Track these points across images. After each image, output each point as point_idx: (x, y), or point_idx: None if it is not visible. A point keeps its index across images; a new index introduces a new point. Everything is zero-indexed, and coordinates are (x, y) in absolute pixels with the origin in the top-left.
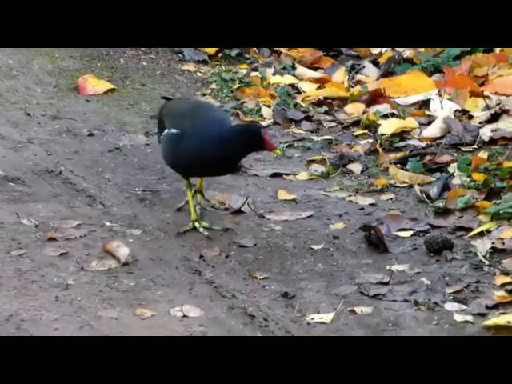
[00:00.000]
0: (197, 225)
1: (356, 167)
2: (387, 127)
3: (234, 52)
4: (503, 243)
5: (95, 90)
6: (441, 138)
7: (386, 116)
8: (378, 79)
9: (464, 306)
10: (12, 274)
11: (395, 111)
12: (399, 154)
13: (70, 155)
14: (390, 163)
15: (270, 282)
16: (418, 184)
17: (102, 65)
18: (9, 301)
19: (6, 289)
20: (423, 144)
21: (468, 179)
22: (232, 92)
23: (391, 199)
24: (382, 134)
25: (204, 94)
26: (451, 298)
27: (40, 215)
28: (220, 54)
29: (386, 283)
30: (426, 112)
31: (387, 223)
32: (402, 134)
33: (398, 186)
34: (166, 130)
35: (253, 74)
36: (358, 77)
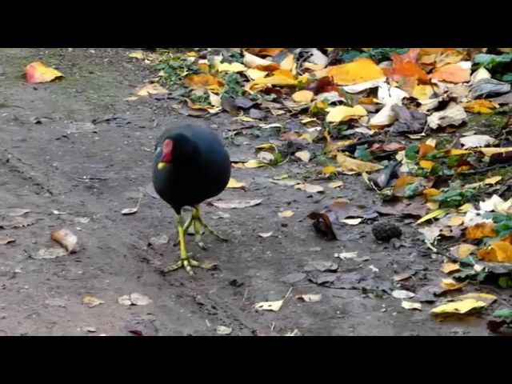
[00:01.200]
0: (185, 263)
1: (304, 155)
2: (335, 115)
3: None
4: (451, 231)
5: (43, 77)
6: (389, 125)
7: (334, 104)
8: (326, 67)
9: (412, 294)
10: None
11: (343, 99)
12: (347, 142)
13: (18, 143)
14: (338, 151)
15: (218, 270)
16: (366, 172)
17: (49, 52)
18: None
19: None
20: (371, 132)
21: (416, 167)
22: (180, 79)
23: (339, 187)
24: (330, 122)
25: (152, 82)
26: (399, 285)
27: None
28: None
29: (334, 271)
30: (374, 100)
31: (335, 211)
32: (350, 122)
33: (346, 174)
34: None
35: (201, 61)
36: (306, 64)
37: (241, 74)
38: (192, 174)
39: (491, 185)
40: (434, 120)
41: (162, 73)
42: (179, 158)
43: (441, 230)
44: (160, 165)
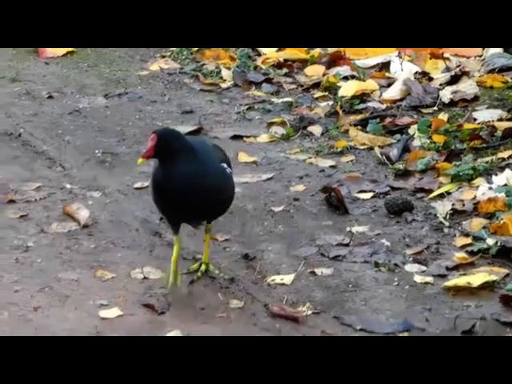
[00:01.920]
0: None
1: (316, 129)
2: (347, 89)
3: None
4: (463, 205)
5: (54, 52)
6: (401, 99)
7: (346, 78)
8: None
9: (424, 268)
10: None
11: (355, 73)
12: (359, 116)
13: (30, 117)
14: (350, 125)
15: (230, 244)
16: (378, 146)
17: None
18: None
19: None
20: (383, 106)
21: (428, 141)
22: (192, 54)
23: (351, 161)
24: (342, 96)
25: (163, 56)
26: (411, 259)
27: None
28: None
29: (346, 245)
30: (386, 74)
31: (347, 185)
32: (362, 96)
33: (358, 148)
34: None
35: None
36: None
37: (252, 48)
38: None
39: (503, 159)
40: (446, 94)
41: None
42: (164, 153)
43: (453, 204)
44: (139, 160)
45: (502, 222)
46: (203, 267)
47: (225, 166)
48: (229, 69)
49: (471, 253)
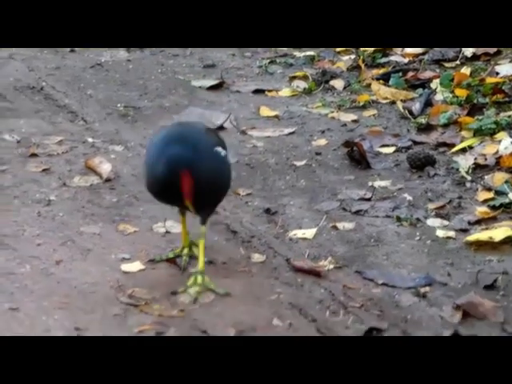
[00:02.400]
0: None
1: (338, 83)
2: None
3: None
4: (485, 159)
5: None
6: (423, 53)
7: None
8: None
9: (446, 222)
10: None
11: None
12: (382, 70)
13: (52, 71)
14: (373, 79)
15: (252, 198)
16: (401, 100)
17: None
18: None
19: None
20: (406, 60)
21: (450, 95)
22: None
23: (373, 115)
24: (365, 50)
25: None
26: (433, 213)
27: (22, 131)
28: None
29: (368, 199)
30: None
31: (369, 139)
32: (385, 50)
33: (380, 102)
34: None
35: None
36: None
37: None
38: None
39: None
40: (468, 48)
41: None
42: (202, 190)
43: (475, 159)
44: (188, 203)
45: None
46: (199, 279)
47: (219, 149)
48: None
49: (493, 207)
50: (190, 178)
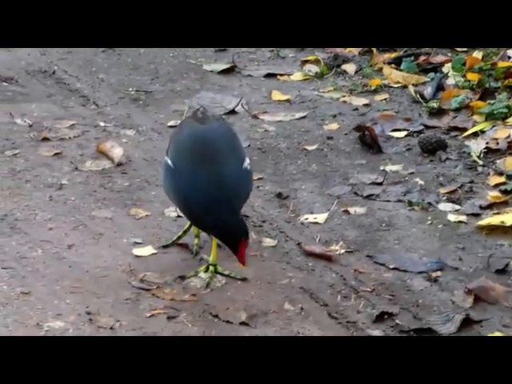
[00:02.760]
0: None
1: (350, 67)
2: None
3: None
4: (497, 143)
5: None
6: None
7: None
8: None
9: (458, 206)
10: (6, 174)
11: None
12: (393, 54)
13: (64, 55)
14: (385, 63)
15: (264, 183)
16: (412, 84)
17: None
18: (3, 200)
19: (1, 188)
20: None
21: (462, 79)
22: None
23: (385, 99)
24: None
25: None
26: (445, 198)
27: (34, 115)
28: None
29: (380, 183)
30: None
31: (381, 123)
32: None
33: (392, 87)
34: (166, 157)
35: None
36: None
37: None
38: None
39: None
40: None
41: None
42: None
43: (487, 143)
44: (244, 267)
45: None
46: (211, 268)
47: (246, 164)
48: None
49: (505, 192)
50: (247, 244)
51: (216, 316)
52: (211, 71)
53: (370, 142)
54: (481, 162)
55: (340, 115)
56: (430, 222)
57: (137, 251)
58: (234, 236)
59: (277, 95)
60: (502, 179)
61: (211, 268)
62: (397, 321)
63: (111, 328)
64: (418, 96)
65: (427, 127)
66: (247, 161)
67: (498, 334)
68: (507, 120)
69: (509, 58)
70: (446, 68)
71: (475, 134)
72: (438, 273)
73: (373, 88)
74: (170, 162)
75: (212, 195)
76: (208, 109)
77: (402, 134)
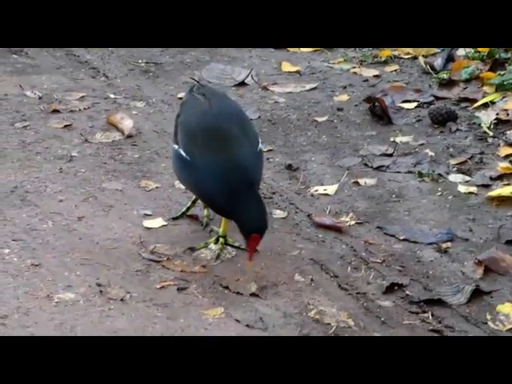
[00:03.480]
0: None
1: None
2: None
3: None
4: (507, 114)
5: None
6: None
7: None
8: None
9: (468, 177)
10: (16, 146)
11: None
12: None
13: None
14: None
15: (274, 155)
16: (423, 55)
17: None
18: (13, 172)
19: (11, 160)
20: None
21: (472, 50)
22: None
23: (395, 71)
24: None
25: None
26: (455, 169)
27: (43, 87)
28: None
29: (390, 155)
30: None
31: (391, 95)
32: None
33: (402, 58)
34: (175, 146)
35: None
36: None
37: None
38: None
39: None
40: None
41: None
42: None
43: (497, 114)
44: (248, 265)
45: None
46: (221, 240)
47: (260, 146)
48: None
49: None
50: (258, 241)
51: (226, 287)
52: None
53: (380, 114)
54: (491, 133)
55: (350, 86)
56: (440, 193)
57: (147, 223)
58: (248, 227)
59: (287, 66)
60: None
61: (221, 239)
62: (407, 292)
63: (122, 300)
64: (428, 67)
65: (437, 98)
66: (260, 141)
67: (508, 304)
68: None
69: None
70: None
71: (485, 105)
72: (448, 244)
73: (383, 59)
74: (183, 153)
75: (233, 183)
76: (218, 80)
77: (412, 105)
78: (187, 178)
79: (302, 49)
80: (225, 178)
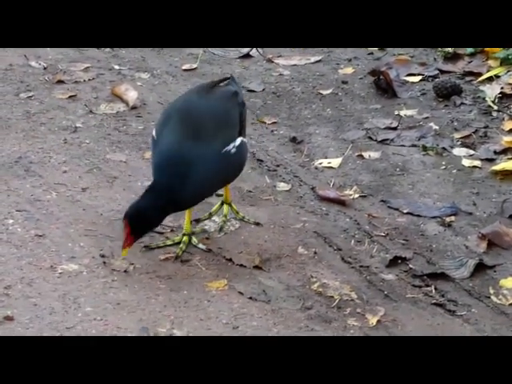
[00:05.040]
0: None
1: None
2: None
3: None
4: None
5: None
6: None
7: None
8: None
9: (472, 151)
10: (21, 117)
11: None
12: None
13: None
14: None
15: (278, 127)
16: None
17: None
18: (18, 143)
19: (15, 131)
20: None
21: None
22: None
23: None
24: None
25: None
26: (459, 142)
27: (48, 57)
28: None
29: (395, 128)
30: None
31: (396, 68)
32: None
33: None
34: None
35: None
36: None
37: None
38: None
39: None
40: None
41: None
42: (144, 228)
43: (502, 88)
44: (123, 253)
45: None
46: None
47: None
48: None
49: None
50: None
51: (229, 260)
52: None
53: (384, 87)
54: (495, 107)
55: (355, 59)
56: (444, 166)
57: None
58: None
59: None
60: None
61: (225, 207)
62: (410, 265)
63: (125, 271)
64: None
65: (442, 72)
66: (237, 142)
67: (511, 278)
68: None
69: None
70: None
71: (490, 79)
72: (452, 218)
73: None
74: (153, 132)
75: (171, 177)
76: (223, 52)
77: (417, 78)
78: (151, 156)
79: None
80: (169, 166)
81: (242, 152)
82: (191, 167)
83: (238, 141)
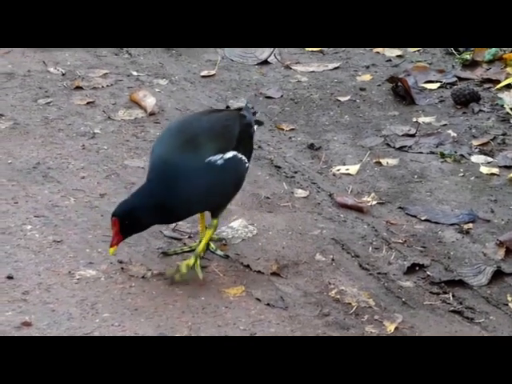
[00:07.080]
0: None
1: None
2: None
3: None
4: None
5: None
6: None
7: None
8: None
9: (490, 159)
10: (39, 123)
11: None
12: None
13: None
14: None
15: (296, 134)
16: None
17: None
18: (36, 149)
19: (33, 137)
20: None
21: None
22: None
23: (418, 51)
24: None
25: None
26: (477, 150)
27: (67, 64)
28: None
29: (413, 135)
30: None
31: (414, 75)
32: None
33: None
34: None
35: None
36: None
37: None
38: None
39: None
40: None
41: None
42: (133, 227)
43: None
44: (110, 250)
45: None
46: (192, 260)
47: (217, 158)
48: None
49: None
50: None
51: (247, 266)
52: None
53: (402, 94)
54: None
55: (373, 66)
56: (462, 174)
57: None
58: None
59: None
60: None
61: (191, 260)
62: (428, 272)
63: (143, 277)
64: (452, 48)
65: (460, 79)
66: (228, 155)
67: None
68: None
69: None
70: None
71: (508, 86)
72: (470, 225)
73: None
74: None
75: (160, 181)
76: (241, 59)
77: (435, 85)
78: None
79: None
80: (155, 168)
81: (233, 167)
82: (177, 173)
83: (230, 154)
